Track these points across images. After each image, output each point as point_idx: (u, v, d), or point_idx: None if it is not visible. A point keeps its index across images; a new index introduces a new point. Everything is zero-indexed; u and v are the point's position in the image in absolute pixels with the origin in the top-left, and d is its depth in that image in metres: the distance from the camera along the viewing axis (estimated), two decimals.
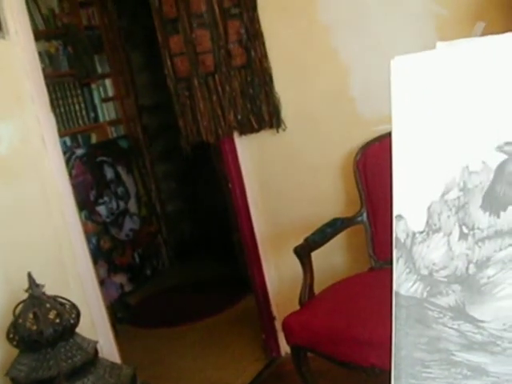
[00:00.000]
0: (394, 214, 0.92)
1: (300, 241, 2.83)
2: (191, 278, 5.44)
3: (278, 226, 3.48)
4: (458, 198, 0.89)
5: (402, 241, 0.92)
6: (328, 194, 3.28)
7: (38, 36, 4.26)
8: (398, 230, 0.92)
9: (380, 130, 3.02)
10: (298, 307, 2.74)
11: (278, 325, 3.52)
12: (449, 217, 0.89)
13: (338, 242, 3.08)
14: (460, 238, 0.89)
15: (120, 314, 4.69)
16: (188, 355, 3.93)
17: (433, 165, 0.91)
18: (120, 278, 5.29)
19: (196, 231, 6.22)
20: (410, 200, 0.92)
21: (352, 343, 2.43)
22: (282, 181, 3.42)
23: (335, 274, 3.02)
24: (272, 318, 3.59)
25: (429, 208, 0.91)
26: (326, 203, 3.26)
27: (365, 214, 3.03)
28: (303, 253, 2.78)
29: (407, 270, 0.92)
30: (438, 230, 0.90)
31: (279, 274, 3.55)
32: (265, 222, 3.52)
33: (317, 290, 2.81)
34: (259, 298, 3.62)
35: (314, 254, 2.83)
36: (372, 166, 3.00)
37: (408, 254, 0.92)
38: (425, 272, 0.91)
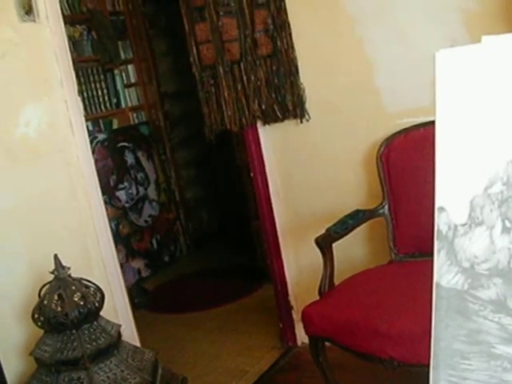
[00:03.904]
0: (436, 205, 0.92)
1: (320, 232, 2.83)
2: (208, 266, 5.47)
3: (298, 216, 3.49)
4: (501, 192, 0.89)
5: (444, 233, 0.92)
6: (350, 186, 3.28)
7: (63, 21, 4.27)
8: (440, 222, 0.92)
9: (404, 122, 3.01)
10: (315, 298, 2.74)
11: (296, 314, 3.54)
12: (491, 210, 0.89)
13: (358, 234, 3.07)
14: (503, 232, 0.89)
15: (137, 299, 4.72)
16: (204, 341, 3.95)
17: (476, 158, 0.91)
18: (138, 264, 5.33)
19: (214, 219, 6.24)
20: (453, 193, 0.92)
21: (371, 335, 2.43)
22: (304, 171, 3.42)
23: (355, 266, 3.03)
24: (290, 308, 3.61)
25: (471, 201, 0.91)
26: (347, 195, 3.26)
27: (386, 207, 3.02)
28: (324, 243, 2.78)
29: (448, 262, 0.92)
30: (480, 224, 0.91)
31: (298, 264, 3.56)
32: (286, 211, 3.52)
33: (336, 281, 2.81)
34: (277, 287, 3.63)
35: (334, 246, 2.83)
36: (396, 158, 2.99)
37: (450, 246, 0.92)
38: (466, 264, 0.91)
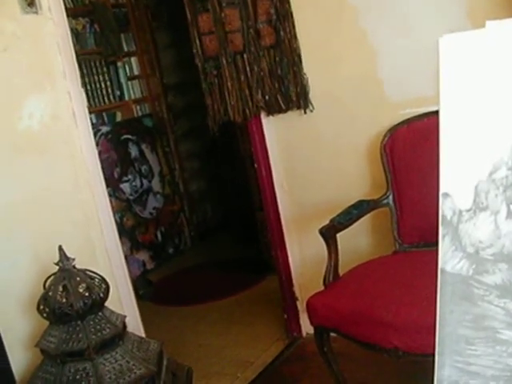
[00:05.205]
0: (441, 191, 0.92)
1: (324, 222, 2.82)
2: (213, 258, 5.48)
3: (302, 207, 3.49)
4: (506, 177, 0.89)
5: (449, 218, 0.92)
6: (353, 176, 3.28)
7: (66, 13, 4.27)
8: (445, 208, 0.92)
9: (408, 113, 3.01)
10: (320, 288, 2.74)
11: (300, 305, 3.54)
12: (496, 195, 0.89)
13: (362, 225, 3.07)
14: (507, 217, 0.89)
15: (142, 290, 4.73)
16: (209, 333, 3.96)
17: (480, 144, 0.91)
18: (142, 256, 5.34)
19: (218, 211, 6.25)
20: (457, 178, 0.91)
21: (375, 325, 2.43)
22: (307, 162, 3.42)
23: (359, 256, 3.02)
24: (294, 299, 3.61)
25: (476, 186, 0.91)
26: (351, 185, 3.26)
27: (391, 197, 3.02)
28: (328, 234, 2.78)
29: (453, 248, 0.92)
30: (485, 209, 0.90)
31: (302, 254, 3.56)
32: (290, 202, 3.52)
33: (340, 271, 2.81)
34: (282, 279, 3.63)
35: (339, 236, 2.83)
36: (399, 149, 2.99)
37: (454, 231, 0.92)
38: (471, 250, 0.91)
